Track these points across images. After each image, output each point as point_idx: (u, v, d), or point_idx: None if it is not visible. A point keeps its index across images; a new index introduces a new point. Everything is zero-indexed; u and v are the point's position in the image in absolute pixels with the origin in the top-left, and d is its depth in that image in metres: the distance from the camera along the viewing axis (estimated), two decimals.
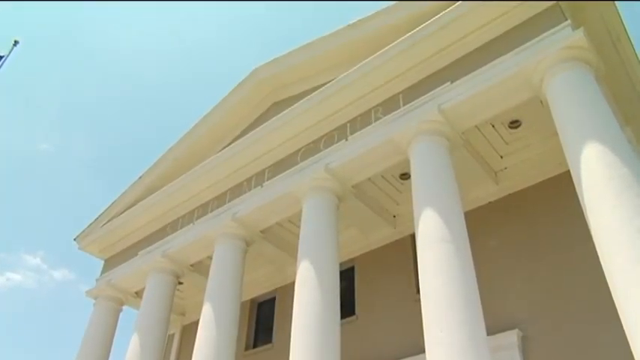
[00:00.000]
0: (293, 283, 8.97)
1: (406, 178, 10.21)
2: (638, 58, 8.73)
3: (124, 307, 14.02)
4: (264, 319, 13.66)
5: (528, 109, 8.72)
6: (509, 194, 10.00)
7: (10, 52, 16.69)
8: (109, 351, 12.97)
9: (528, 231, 9.35)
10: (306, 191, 9.76)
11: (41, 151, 41.63)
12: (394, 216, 11.42)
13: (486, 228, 9.60)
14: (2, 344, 35.75)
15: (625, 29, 8.32)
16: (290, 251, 11.75)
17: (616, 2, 8.04)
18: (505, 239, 9.55)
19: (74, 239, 14.73)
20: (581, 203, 6.40)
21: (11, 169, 40.23)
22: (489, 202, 10.17)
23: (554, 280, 8.61)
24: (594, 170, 6.25)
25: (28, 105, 38.29)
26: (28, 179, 41.22)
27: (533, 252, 9.10)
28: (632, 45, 8.52)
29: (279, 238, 11.97)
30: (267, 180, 10.93)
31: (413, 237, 9.27)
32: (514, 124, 9.38)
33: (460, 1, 8.36)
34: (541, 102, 7.98)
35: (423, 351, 6.58)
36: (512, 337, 8.35)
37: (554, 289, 8.52)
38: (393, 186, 10.79)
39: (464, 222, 7.56)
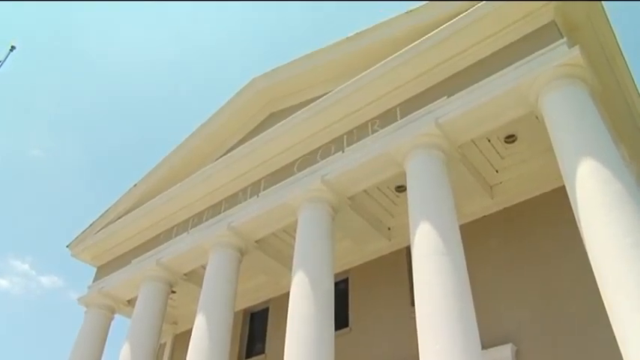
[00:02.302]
0: (287, 294, 8.95)
1: (402, 191, 10.25)
2: (632, 77, 8.87)
3: (116, 316, 13.90)
4: (257, 330, 13.58)
5: (524, 124, 8.81)
6: (505, 208, 10.07)
7: (6, 58, 16.69)
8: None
9: (523, 245, 9.40)
10: (302, 202, 9.78)
11: (33, 157, 41.48)
12: (389, 228, 11.43)
13: (481, 242, 9.64)
14: None
15: (619, 49, 8.46)
16: (284, 262, 11.74)
17: (611, 23, 8.17)
18: (500, 253, 9.60)
19: (67, 246, 14.62)
20: (576, 218, 6.48)
21: (2, 174, 40.01)
22: (484, 216, 10.23)
23: (548, 294, 8.65)
24: (589, 186, 6.33)
25: (20, 110, 38.20)
26: (19, 184, 41.00)
27: (528, 266, 9.14)
28: (627, 64, 8.66)
29: (274, 249, 11.96)
30: (263, 190, 10.94)
31: (408, 249, 9.31)
32: (510, 138, 9.48)
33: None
34: (537, 117, 8.07)
35: None
36: (506, 351, 8.36)
37: (549, 304, 8.55)
38: (388, 198, 10.83)
39: (459, 235, 7.60)
